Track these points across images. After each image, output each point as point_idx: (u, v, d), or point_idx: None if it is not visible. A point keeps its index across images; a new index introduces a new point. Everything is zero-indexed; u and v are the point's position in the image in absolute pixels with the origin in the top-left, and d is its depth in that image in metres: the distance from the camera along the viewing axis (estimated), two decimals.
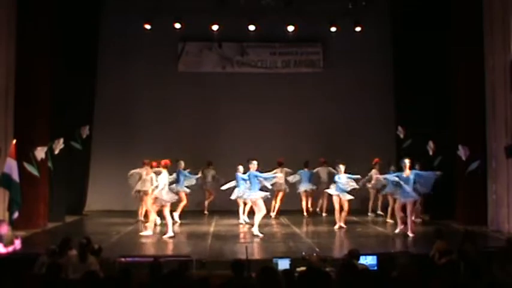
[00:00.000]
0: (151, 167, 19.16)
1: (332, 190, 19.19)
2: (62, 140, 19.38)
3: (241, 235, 17.86)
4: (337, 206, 18.98)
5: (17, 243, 12.35)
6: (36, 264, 10.72)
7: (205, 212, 22.42)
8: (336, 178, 19.02)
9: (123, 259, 12.43)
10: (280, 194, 21.71)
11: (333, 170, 20.59)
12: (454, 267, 9.28)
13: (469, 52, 19.06)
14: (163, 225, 18.10)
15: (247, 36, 23.49)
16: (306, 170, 21.78)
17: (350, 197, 18.89)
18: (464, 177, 18.91)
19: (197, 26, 23.05)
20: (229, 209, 20.92)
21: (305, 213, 22.01)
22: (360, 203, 21.59)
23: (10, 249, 12.22)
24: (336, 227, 18.85)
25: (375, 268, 11.04)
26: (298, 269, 9.64)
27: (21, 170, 16.58)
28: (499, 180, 18.09)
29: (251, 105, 24.11)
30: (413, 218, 17.70)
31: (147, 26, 22.51)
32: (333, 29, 23.27)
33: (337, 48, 24.11)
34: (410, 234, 17.11)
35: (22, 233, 15.34)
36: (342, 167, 19.02)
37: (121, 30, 23.23)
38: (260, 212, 17.54)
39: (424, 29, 21.13)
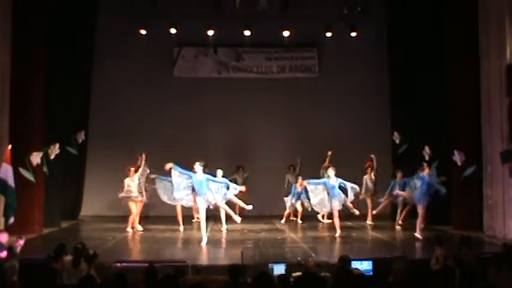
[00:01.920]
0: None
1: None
2: (57, 145, 19.36)
3: (237, 240, 17.84)
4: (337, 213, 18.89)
5: (20, 242, 12.31)
6: (6, 268, 10.56)
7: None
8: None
9: (118, 264, 12.43)
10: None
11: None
12: (450, 272, 9.28)
13: (464, 57, 19.08)
14: None
15: (242, 41, 23.48)
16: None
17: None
18: (460, 182, 18.92)
19: (193, 31, 23.05)
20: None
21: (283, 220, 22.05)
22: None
23: (18, 249, 12.16)
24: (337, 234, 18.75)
25: (371, 273, 11.04)
26: (294, 274, 9.63)
27: (17, 175, 16.57)
28: (495, 186, 18.09)
29: (246, 111, 24.11)
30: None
31: (143, 31, 22.51)
32: (329, 34, 23.27)
33: (332, 54, 24.08)
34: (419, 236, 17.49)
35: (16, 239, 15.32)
36: (332, 171, 18.87)
37: (117, 35, 23.21)
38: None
39: (420, 34, 21.17)
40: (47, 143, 19.14)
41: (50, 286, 8.49)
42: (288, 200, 21.56)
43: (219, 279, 9.95)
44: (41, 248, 15.05)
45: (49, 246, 12.40)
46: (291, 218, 22.21)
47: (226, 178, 19.16)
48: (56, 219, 20.18)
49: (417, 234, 17.61)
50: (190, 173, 17.21)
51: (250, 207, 18.56)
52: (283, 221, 21.62)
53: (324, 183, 18.69)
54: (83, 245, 11.29)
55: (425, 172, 17.89)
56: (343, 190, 18.74)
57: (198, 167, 17.27)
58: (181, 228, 19.78)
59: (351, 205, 18.74)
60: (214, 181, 17.71)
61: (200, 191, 17.07)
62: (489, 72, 18.35)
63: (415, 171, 18.35)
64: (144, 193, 19.79)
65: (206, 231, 17.23)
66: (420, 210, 18.01)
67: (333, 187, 18.47)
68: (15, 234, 13.68)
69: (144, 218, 20.69)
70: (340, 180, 18.62)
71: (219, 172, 19.20)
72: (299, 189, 21.01)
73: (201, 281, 8.40)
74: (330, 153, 21.54)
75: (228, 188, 18.13)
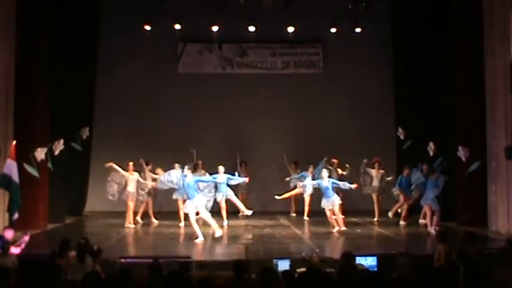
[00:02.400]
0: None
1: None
2: (62, 141, 19.35)
3: (241, 236, 17.86)
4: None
5: (26, 238, 12.33)
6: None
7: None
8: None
9: (123, 260, 12.44)
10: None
11: (386, 177, 21.11)
12: (454, 268, 9.28)
13: (469, 53, 19.08)
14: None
15: (247, 37, 23.48)
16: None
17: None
18: (464, 178, 18.89)
19: (197, 27, 23.06)
20: (230, 210, 20.88)
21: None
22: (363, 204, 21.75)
23: (22, 245, 12.20)
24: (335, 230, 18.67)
25: (375, 269, 11.04)
26: (298, 270, 9.64)
27: (21, 171, 16.57)
28: (499, 181, 18.08)
29: (251, 107, 24.11)
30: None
31: (147, 27, 22.51)
32: (333, 29, 23.28)
33: (337, 49, 24.09)
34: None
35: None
36: (325, 173, 18.87)
37: (121, 31, 23.20)
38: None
39: (424, 30, 21.16)
40: (51, 139, 19.15)
41: (54, 282, 8.50)
42: (294, 181, 21.75)
43: (223, 275, 9.95)
44: (46, 244, 15.10)
45: (53, 242, 12.41)
46: (292, 213, 22.38)
47: (229, 174, 19.34)
48: (61, 215, 20.22)
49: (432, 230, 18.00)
50: (182, 177, 17.43)
51: (249, 212, 18.84)
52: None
53: (318, 184, 18.74)
54: (86, 240, 11.30)
55: (434, 176, 18.27)
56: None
57: (186, 170, 17.43)
58: (182, 224, 19.72)
59: (339, 218, 18.68)
60: (203, 181, 17.83)
61: (189, 194, 17.22)
62: (494, 68, 18.34)
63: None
64: (136, 193, 19.98)
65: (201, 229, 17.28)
66: (428, 210, 18.59)
67: (327, 188, 18.39)
68: (19, 230, 13.68)
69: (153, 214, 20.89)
70: (332, 180, 18.67)
71: (221, 168, 19.28)
72: (310, 175, 21.09)
73: (206, 277, 8.39)
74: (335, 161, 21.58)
75: (227, 185, 19.30)
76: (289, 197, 22.28)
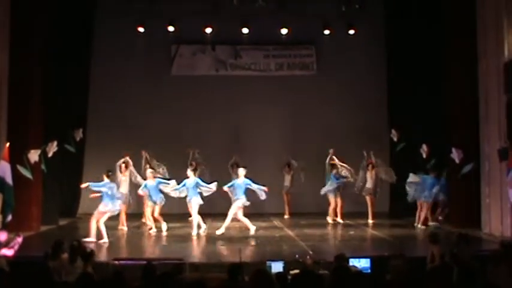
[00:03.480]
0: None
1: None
2: (55, 143, 19.33)
3: (235, 238, 17.83)
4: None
5: (19, 239, 12.32)
6: None
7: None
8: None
9: (116, 262, 12.42)
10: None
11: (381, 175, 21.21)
12: (448, 270, 9.28)
13: (462, 54, 19.07)
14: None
15: (240, 39, 23.53)
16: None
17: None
18: (457, 180, 18.92)
19: (191, 29, 23.10)
20: (223, 212, 20.85)
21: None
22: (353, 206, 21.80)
23: (16, 247, 12.19)
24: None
25: (369, 271, 11.04)
26: (292, 272, 9.62)
27: (15, 172, 16.55)
28: (492, 183, 18.06)
29: (244, 108, 24.13)
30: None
31: (141, 29, 22.54)
32: (327, 31, 23.32)
33: (330, 51, 24.14)
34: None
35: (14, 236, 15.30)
36: (242, 171, 18.66)
37: (115, 33, 23.23)
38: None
39: (418, 32, 21.17)
40: (45, 141, 19.12)
41: (43, 284, 8.47)
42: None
43: (217, 277, 9.94)
44: (39, 246, 15.04)
45: (47, 244, 12.38)
46: (286, 215, 22.41)
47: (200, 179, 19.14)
48: (54, 217, 20.17)
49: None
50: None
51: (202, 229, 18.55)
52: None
53: (233, 185, 18.46)
54: (79, 242, 11.28)
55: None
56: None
57: (148, 173, 18.83)
58: (160, 227, 19.40)
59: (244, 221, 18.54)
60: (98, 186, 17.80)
61: None
62: (487, 70, 18.34)
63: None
64: (128, 195, 19.86)
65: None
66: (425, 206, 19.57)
67: (239, 186, 18.24)
68: (12, 231, 13.65)
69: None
70: (247, 181, 18.38)
71: (189, 172, 18.91)
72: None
73: (199, 279, 8.38)
74: (331, 151, 21.49)
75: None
76: (284, 200, 22.44)
